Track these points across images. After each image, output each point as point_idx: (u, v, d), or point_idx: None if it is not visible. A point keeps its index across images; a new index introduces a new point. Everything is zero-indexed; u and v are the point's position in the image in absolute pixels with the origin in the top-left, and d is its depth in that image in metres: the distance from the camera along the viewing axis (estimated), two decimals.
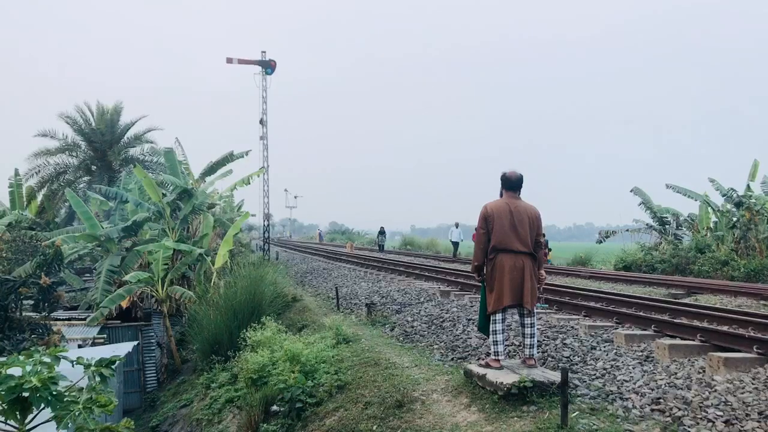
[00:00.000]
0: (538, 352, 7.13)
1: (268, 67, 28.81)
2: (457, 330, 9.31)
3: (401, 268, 19.01)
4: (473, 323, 9.33)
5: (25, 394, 3.27)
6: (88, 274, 21.72)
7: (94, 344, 14.13)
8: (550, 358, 7.21)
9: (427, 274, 16.99)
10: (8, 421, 3.39)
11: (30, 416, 3.45)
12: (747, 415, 4.84)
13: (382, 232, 36.75)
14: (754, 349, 6.22)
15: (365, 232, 71.54)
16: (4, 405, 3.32)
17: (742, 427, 4.67)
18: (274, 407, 8.32)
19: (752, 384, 5.48)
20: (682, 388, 5.55)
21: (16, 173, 27.26)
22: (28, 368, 3.35)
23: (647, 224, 25.84)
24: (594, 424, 4.96)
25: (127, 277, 16.19)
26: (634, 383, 5.88)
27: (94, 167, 32.04)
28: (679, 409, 5.11)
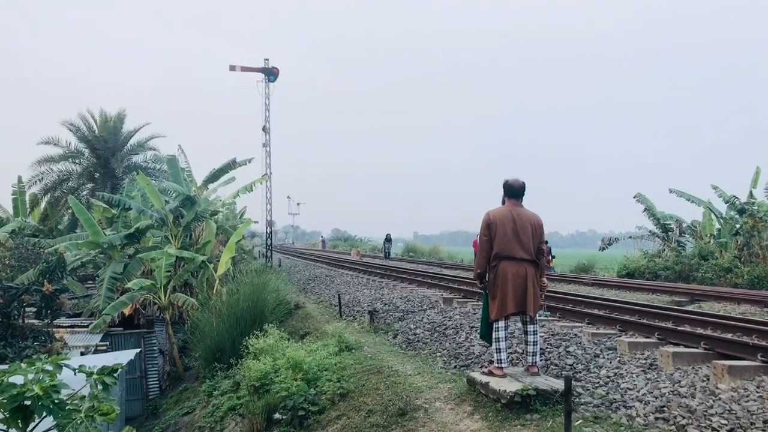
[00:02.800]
0: (541, 360, 7.11)
1: (270, 74, 28.87)
2: (459, 337, 9.29)
3: (404, 275, 18.99)
4: (476, 331, 9.30)
5: (27, 403, 3.26)
6: (91, 282, 21.71)
7: (96, 351, 14.13)
8: (553, 366, 7.19)
9: (429, 281, 16.95)
10: (10, 430, 3.38)
11: (32, 424, 3.44)
12: (752, 423, 4.82)
13: (388, 240, 36.57)
14: (759, 357, 6.19)
15: (368, 239, 71.54)
16: (6, 413, 3.31)
17: None
18: (277, 415, 8.30)
19: (757, 392, 5.45)
20: (686, 397, 5.53)
21: (20, 180, 27.36)
22: (30, 376, 3.34)
23: (650, 231, 25.83)
24: None
25: (129, 285, 16.20)
26: (638, 391, 5.86)
27: (97, 174, 32.07)
28: (683, 418, 5.09)
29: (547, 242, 22.52)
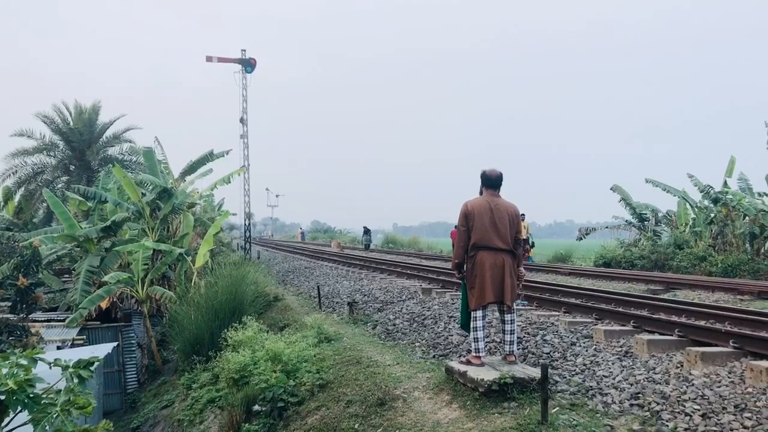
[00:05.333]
0: (518, 349, 7.18)
1: (248, 65, 28.66)
2: (438, 327, 9.33)
3: (383, 267, 19.02)
4: (454, 320, 9.36)
5: (1, 397, 3.23)
6: (67, 275, 21.46)
7: (73, 345, 13.97)
8: (530, 355, 7.26)
9: (409, 272, 17.01)
10: None
11: (7, 419, 3.41)
12: (723, 408, 4.91)
13: (366, 232, 36.63)
14: (731, 344, 6.30)
15: (347, 231, 71.41)
16: None
17: (718, 420, 4.73)
18: (256, 407, 8.29)
19: (728, 378, 5.56)
20: (660, 383, 5.62)
21: None
22: (4, 371, 3.31)
23: (627, 221, 26.09)
24: (574, 420, 5.01)
25: (106, 278, 16.02)
26: (614, 378, 5.94)
27: (72, 167, 31.66)
28: (658, 404, 5.17)
29: (527, 230, 22.76)
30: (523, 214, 23.41)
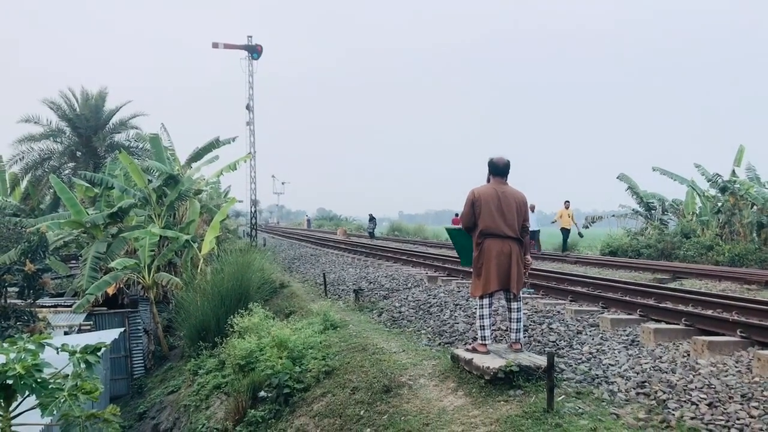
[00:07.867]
0: (524, 337, 7.16)
1: (254, 51, 28.54)
2: (444, 315, 9.33)
3: (389, 254, 19.02)
4: (460, 308, 9.36)
5: (9, 382, 3.24)
6: (74, 261, 21.55)
7: (80, 331, 14.04)
8: (536, 343, 7.25)
9: (414, 260, 17.00)
10: None
11: (14, 404, 3.43)
12: (730, 397, 4.90)
13: (371, 219, 36.55)
14: (738, 333, 6.29)
15: (353, 218, 71.42)
16: None
17: (725, 409, 4.72)
18: (262, 393, 8.32)
19: (735, 367, 5.54)
20: (666, 372, 5.61)
21: None
22: (12, 355, 3.32)
23: (633, 210, 25.97)
24: (580, 408, 5.00)
25: (113, 264, 16.09)
26: (620, 367, 5.93)
27: (79, 153, 31.68)
28: (664, 393, 5.16)
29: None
30: (567, 201, 23.33)
